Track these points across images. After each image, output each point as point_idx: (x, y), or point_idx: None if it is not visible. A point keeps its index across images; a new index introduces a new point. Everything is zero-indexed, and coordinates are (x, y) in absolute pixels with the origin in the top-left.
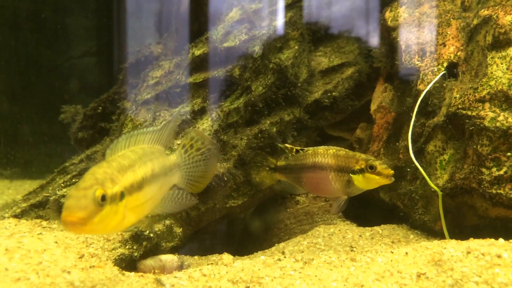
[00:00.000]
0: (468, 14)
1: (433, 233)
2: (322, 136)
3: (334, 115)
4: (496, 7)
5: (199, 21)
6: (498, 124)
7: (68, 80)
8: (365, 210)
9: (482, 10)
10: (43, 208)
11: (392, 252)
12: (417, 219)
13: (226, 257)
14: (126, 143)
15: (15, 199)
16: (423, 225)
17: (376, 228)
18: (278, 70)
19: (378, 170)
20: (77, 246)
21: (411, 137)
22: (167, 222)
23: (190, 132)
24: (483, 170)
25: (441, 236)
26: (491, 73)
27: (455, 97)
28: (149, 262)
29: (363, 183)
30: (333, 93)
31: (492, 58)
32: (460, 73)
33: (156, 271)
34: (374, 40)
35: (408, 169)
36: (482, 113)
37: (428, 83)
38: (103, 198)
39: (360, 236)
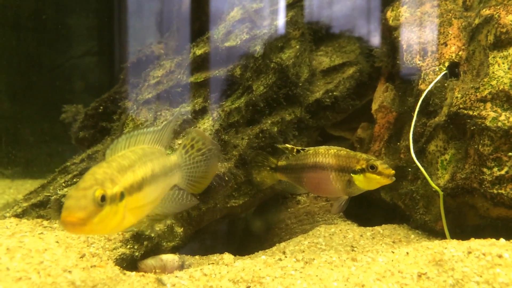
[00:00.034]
0: (469, 14)
1: (434, 233)
2: (323, 135)
3: (335, 114)
4: (498, 7)
5: (200, 21)
6: (499, 124)
7: (69, 79)
8: (366, 210)
9: (484, 10)
10: (44, 208)
11: (393, 252)
12: (418, 219)
13: (227, 256)
14: (126, 143)
15: (16, 198)
16: (424, 225)
17: (377, 228)
18: (279, 70)
19: (379, 170)
20: (78, 246)
21: (412, 137)
22: (168, 221)
23: (191, 132)
24: (484, 170)
25: (442, 236)
26: (493, 72)
27: (457, 97)
28: (150, 261)
29: (364, 183)
30: (334, 93)
31: (493, 57)
32: (461, 72)
33: (157, 270)
34: (375, 40)
35: (409, 169)
36: (483, 113)
37: (430, 82)
38: (103, 198)
39: (361, 236)
